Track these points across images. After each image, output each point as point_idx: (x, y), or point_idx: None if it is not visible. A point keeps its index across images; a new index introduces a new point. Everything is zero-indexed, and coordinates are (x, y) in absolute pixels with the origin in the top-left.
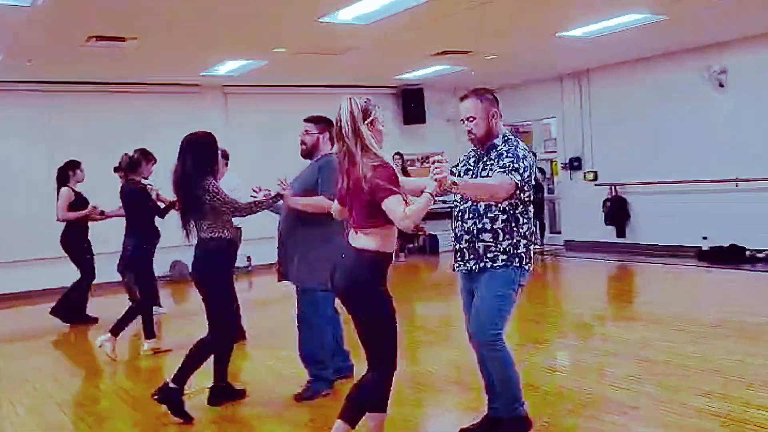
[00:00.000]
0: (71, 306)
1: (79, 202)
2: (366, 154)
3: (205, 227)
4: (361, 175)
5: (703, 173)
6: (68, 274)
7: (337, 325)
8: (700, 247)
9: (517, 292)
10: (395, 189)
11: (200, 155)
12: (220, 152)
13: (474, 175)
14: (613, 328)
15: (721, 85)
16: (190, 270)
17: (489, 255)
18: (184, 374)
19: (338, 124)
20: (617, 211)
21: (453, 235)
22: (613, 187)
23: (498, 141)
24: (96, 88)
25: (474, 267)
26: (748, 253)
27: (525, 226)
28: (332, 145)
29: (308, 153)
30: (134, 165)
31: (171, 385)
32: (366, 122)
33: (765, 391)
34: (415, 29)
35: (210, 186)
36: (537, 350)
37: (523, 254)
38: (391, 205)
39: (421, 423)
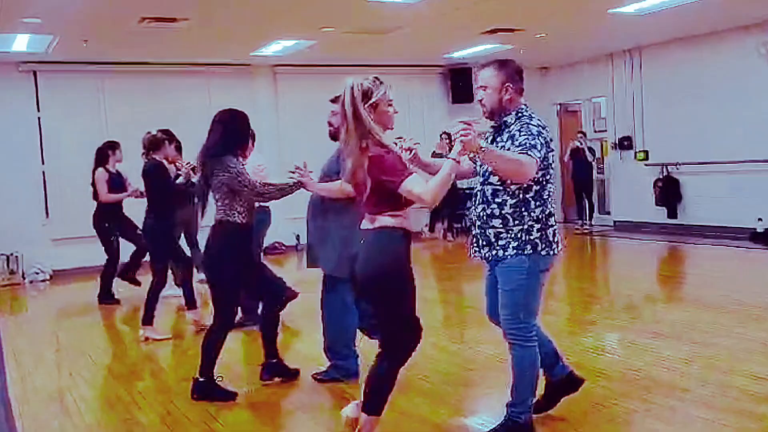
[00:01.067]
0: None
1: (112, 182)
2: (366, 140)
3: (218, 208)
4: (362, 166)
5: (757, 153)
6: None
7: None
8: (754, 228)
9: (537, 279)
10: (404, 172)
11: (227, 132)
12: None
13: None
14: (664, 310)
15: None
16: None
17: (500, 242)
18: (205, 365)
19: (342, 107)
20: (669, 192)
21: (470, 220)
22: (664, 167)
23: (510, 118)
24: (149, 69)
25: (488, 255)
26: None
27: (538, 210)
28: None
29: (336, 134)
30: (156, 144)
31: (200, 379)
32: (367, 105)
33: None
34: (464, 8)
35: (232, 166)
36: (586, 331)
37: (537, 240)
38: (409, 187)
39: (470, 402)
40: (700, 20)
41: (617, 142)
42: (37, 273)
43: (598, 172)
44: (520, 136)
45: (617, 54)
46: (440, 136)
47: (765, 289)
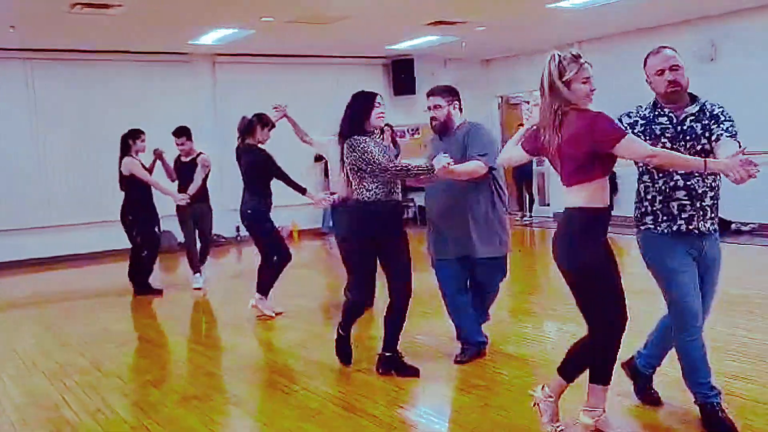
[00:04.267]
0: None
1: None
2: (571, 109)
3: (354, 188)
4: (573, 130)
5: None
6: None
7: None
8: None
9: None
10: (622, 130)
11: (351, 111)
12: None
13: (681, 135)
14: None
15: (711, 59)
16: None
17: (713, 215)
18: (389, 340)
19: (541, 81)
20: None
21: (684, 192)
22: None
23: (707, 105)
24: (82, 56)
25: (709, 227)
26: (733, 226)
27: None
28: (461, 112)
29: (443, 127)
30: (249, 128)
31: (386, 354)
32: (563, 80)
33: (743, 360)
34: None
35: (356, 144)
36: (526, 321)
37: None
38: (630, 144)
39: (408, 395)
40: (635, 17)
41: None
42: None
43: (537, 165)
44: (725, 120)
45: (557, 48)
46: (383, 128)
47: None
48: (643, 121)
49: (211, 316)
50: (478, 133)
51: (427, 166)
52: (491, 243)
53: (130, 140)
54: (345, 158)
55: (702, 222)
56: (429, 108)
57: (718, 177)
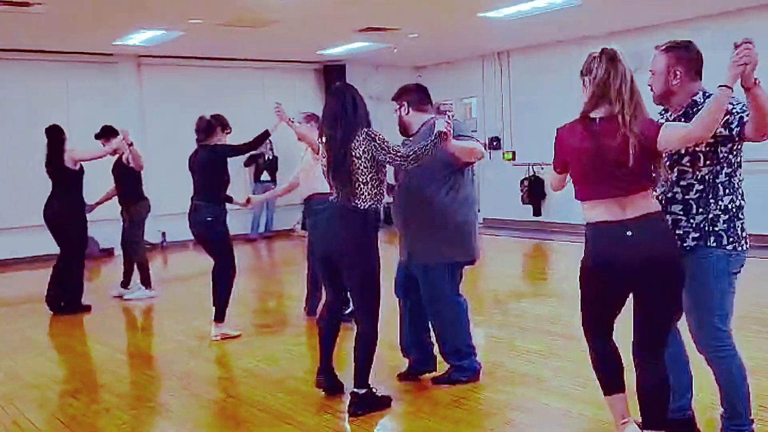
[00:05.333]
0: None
1: (76, 174)
2: (640, 111)
3: (352, 193)
4: (634, 134)
5: None
6: None
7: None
8: None
9: (726, 277)
10: (657, 123)
11: (362, 103)
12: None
13: None
14: (527, 304)
15: (636, 69)
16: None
17: (677, 232)
18: (359, 374)
19: (610, 85)
20: (534, 191)
21: None
22: (530, 167)
23: (699, 98)
24: (1, 56)
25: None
26: None
27: (727, 198)
28: (425, 111)
29: (401, 129)
30: (209, 130)
31: (359, 392)
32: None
33: None
34: (339, 4)
35: (374, 134)
36: None
37: (722, 232)
38: (670, 131)
39: (337, 402)
40: (563, 28)
41: (487, 142)
42: None
43: None
44: (735, 105)
45: (488, 56)
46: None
47: None
48: None
49: (136, 324)
50: (456, 123)
51: (432, 139)
52: (438, 249)
53: (63, 135)
54: (357, 152)
55: None
56: None
57: (671, 191)
